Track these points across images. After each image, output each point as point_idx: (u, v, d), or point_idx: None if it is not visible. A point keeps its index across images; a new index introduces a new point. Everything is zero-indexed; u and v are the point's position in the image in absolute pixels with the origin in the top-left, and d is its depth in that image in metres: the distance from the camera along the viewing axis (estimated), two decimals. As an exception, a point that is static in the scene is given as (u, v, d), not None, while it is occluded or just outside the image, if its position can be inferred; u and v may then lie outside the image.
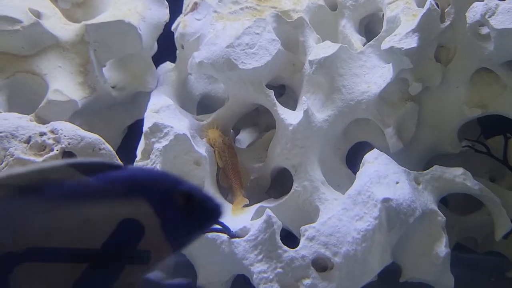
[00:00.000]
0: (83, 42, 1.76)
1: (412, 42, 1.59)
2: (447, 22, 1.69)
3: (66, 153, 1.44)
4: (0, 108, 1.59)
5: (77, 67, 1.76)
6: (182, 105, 1.94)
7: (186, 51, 1.84)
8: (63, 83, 1.70)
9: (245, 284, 1.61)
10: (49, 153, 1.42)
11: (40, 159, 1.40)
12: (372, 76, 1.76)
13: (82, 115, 1.78)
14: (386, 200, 1.41)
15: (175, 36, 1.88)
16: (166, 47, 2.07)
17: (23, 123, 1.45)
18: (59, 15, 1.81)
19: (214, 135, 1.80)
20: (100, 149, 1.48)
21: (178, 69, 1.98)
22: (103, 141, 1.50)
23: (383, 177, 1.50)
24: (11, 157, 1.38)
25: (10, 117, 1.46)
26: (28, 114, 1.59)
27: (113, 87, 1.90)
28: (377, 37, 1.81)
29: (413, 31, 1.62)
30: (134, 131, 2.05)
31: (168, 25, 1.96)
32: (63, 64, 1.74)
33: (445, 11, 1.70)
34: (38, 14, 1.72)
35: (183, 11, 1.93)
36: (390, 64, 1.70)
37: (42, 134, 1.44)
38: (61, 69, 1.73)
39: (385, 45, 1.63)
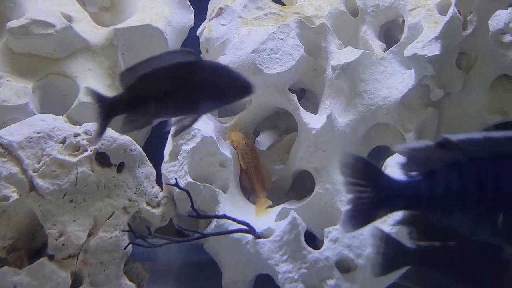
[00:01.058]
0: (112, 45, 1.82)
1: (435, 50, 1.62)
2: (469, 30, 1.72)
3: (99, 154, 1.49)
4: (33, 108, 1.64)
5: (106, 70, 1.81)
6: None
7: (211, 55, 1.88)
8: (93, 85, 1.75)
9: (265, 283, 1.66)
10: (83, 153, 1.47)
11: (74, 159, 1.45)
12: (393, 81, 1.79)
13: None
14: (409, 203, 1.45)
15: (200, 41, 1.92)
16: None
17: (59, 124, 1.50)
18: (88, 19, 1.86)
19: (237, 138, 1.84)
20: (131, 150, 1.53)
21: (202, 72, 2.01)
22: (134, 142, 1.55)
23: (405, 181, 1.53)
24: (48, 157, 1.43)
25: (46, 118, 1.51)
26: (59, 115, 1.64)
27: (139, 89, 1.94)
28: (398, 43, 1.85)
29: (436, 38, 1.65)
30: (157, 133, 2.09)
31: (193, 29, 2.00)
32: (92, 66, 1.79)
33: (468, 18, 1.73)
34: (69, 18, 1.78)
35: (207, 16, 1.97)
36: (412, 70, 1.73)
37: (76, 135, 1.49)
38: (91, 71, 1.78)
39: (408, 52, 1.66)
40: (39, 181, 1.40)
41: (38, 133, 1.45)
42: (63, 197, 1.43)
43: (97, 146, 1.48)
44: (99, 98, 1.01)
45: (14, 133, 1.44)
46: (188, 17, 1.98)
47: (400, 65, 1.83)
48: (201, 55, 1.98)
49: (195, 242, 1.65)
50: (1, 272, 1.34)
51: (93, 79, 1.78)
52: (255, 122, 1.99)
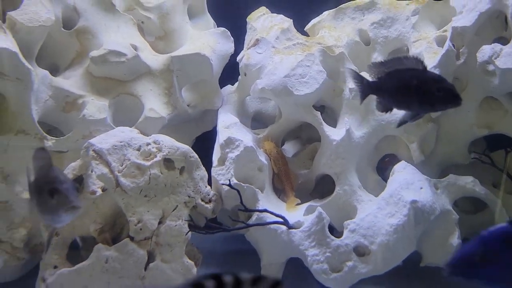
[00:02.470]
0: (168, 70, 2.21)
1: (433, 77, 2.00)
2: (462, 60, 2.11)
3: (166, 159, 1.88)
4: (110, 121, 2.04)
5: (163, 90, 2.21)
6: (241, 120, 2.36)
7: (248, 78, 2.27)
8: (154, 103, 2.14)
9: (295, 265, 2.03)
10: (153, 159, 1.86)
11: (148, 163, 1.84)
12: (399, 101, 2.17)
13: (164, 128, 2.21)
14: (413, 202, 1.83)
15: (239, 66, 2.31)
16: (224, 72, 2.49)
17: (135, 135, 1.89)
18: (149, 48, 2.26)
19: (270, 147, 2.22)
20: (190, 157, 1.92)
21: (239, 91, 2.41)
22: (192, 150, 1.93)
23: (410, 184, 1.91)
24: (128, 161, 1.82)
25: (125, 130, 1.91)
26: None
27: (188, 105, 2.33)
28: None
29: (435, 67, 2.04)
30: (201, 141, 2.48)
31: (233, 56, 2.40)
32: (153, 87, 2.18)
33: (460, 51, 2.12)
34: (135, 48, 2.17)
35: (245, 45, 2.37)
36: (415, 93, 2.11)
37: (148, 144, 1.88)
38: (152, 91, 2.17)
39: (412, 78, 2.04)
40: (123, 180, 1.79)
41: (120, 142, 1.84)
42: (140, 192, 1.81)
43: (164, 153, 1.86)
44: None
45: (102, 141, 1.83)
46: (229, 46, 2.38)
47: (405, 87, 2.21)
48: (239, 77, 2.37)
49: (233, 233, 2.03)
50: (97, 248, 1.74)
51: (154, 98, 2.17)
52: (283, 133, 2.37)
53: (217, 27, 2.53)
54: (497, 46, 1.95)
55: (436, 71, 2.02)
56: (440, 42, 2.18)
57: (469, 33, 2.08)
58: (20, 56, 1.77)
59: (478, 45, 2.01)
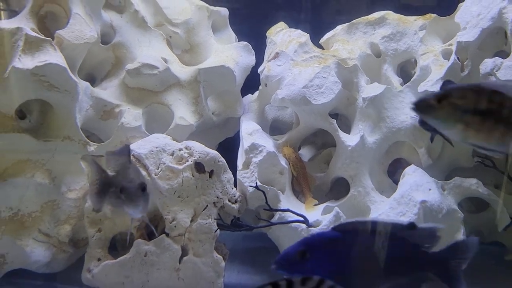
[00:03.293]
0: (196, 81, 2.41)
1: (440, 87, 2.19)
2: (466, 72, 2.29)
3: (196, 163, 2.07)
4: (144, 129, 2.24)
5: (191, 99, 2.41)
6: (261, 127, 2.55)
7: (268, 88, 2.47)
8: (183, 111, 2.34)
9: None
10: (185, 163, 2.05)
11: (180, 167, 2.03)
12: (409, 109, 2.36)
13: (192, 134, 2.40)
14: (423, 202, 2.02)
15: (260, 77, 2.50)
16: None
17: (168, 141, 2.09)
18: (177, 61, 2.46)
19: (289, 152, 2.41)
20: (218, 161, 2.11)
21: (259, 100, 2.61)
22: (220, 155, 2.12)
23: (419, 185, 2.10)
24: (163, 165, 2.02)
25: (160, 136, 2.10)
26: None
27: (212, 113, 2.53)
28: (412, 79, 2.42)
29: (442, 78, 2.22)
30: (224, 146, 2.68)
31: (254, 68, 2.60)
32: (182, 97, 2.38)
33: (464, 63, 2.30)
34: (165, 61, 2.37)
35: (265, 58, 2.56)
36: (423, 102, 2.30)
37: (180, 149, 2.08)
38: (180, 101, 2.37)
39: (421, 88, 2.24)
40: (159, 182, 1.99)
41: (156, 147, 2.04)
42: (174, 193, 2.01)
43: (195, 158, 2.06)
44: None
45: (140, 147, 2.03)
46: (250, 59, 2.58)
47: (413, 96, 2.39)
48: (260, 87, 2.57)
49: (253, 232, 2.23)
50: (137, 242, 1.94)
51: (183, 107, 2.37)
52: (300, 139, 2.56)
53: (238, 40, 2.74)
54: (498, 60, 2.12)
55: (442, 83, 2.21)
56: (446, 55, 2.37)
57: (472, 48, 2.26)
58: (69, 71, 1.97)
59: (481, 59, 2.19)
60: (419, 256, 1.24)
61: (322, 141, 2.72)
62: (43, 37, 1.97)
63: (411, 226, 1.22)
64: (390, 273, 1.25)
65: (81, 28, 2.09)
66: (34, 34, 1.95)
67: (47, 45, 1.96)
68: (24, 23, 2.01)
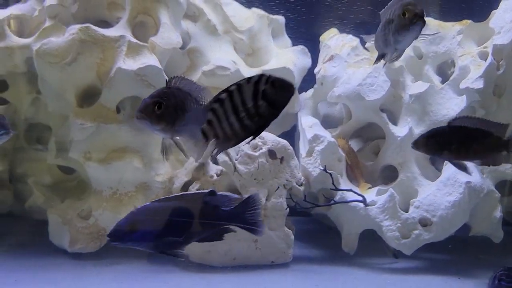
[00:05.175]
0: (261, 81, 2.74)
1: (480, 84, 2.50)
2: (501, 70, 2.59)
3: (270, 151, 2.40)
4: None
5: (257, 97, 2.74)
6: (314, 121, 2.88)
7: (324, 87, 2.80)
8: (251, 107, 2.67)
9: (367, 235, 2.53)
10: (260, 150, 2.38)
11: (256, 153, 2.36)
12: (450, 104, 2.67)
13: (256, 128, 2.73)
14: (468, 182, 2.33)
15: (316, 77, 2.84)
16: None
17: (245, 132, 2.42)
18: (243, 63, 2.80)
19: (342, 143, 2.73)
20: (288, 149, 2.43)
21: (314, 98, 2.94)
22: (289, 144, 2.45)
23: (463, 169, 2.40)
24: (242, 151, 2.35)
25: (237, 128, 2.44)
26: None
27: (273, 110, 2.86)
28: (452, 78, 2.72)
29: (480, 77, 2.53)
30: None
31: (310, 69, 2.93)
32: (249, 95, 2.71)
33: (499, 63, 2.61)
34: (235, 63, 2.71)
35: (320, 60, 2.90)
36: (464, 97, 2.60)
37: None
38: (248, 98, 2.70)
39: (462, 85, 2.55)
40: (239, 166, 2.32)
41: (236, 137, 2.37)
42: (251, 176, 2.34)
43: (269, 146, 2.39)
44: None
45: (222, 137, 2.37)
46: (307, 61, 2.92)
47: (453, 93, 2.70)
48: (315, 86, 2.90)
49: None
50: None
51: (250, 103, 2.70)
52: (350, 132, 2.88)
53: (292, 45, 3.07)
54: (529, 60, 2.44)
55: (481, 80, 2.52)
56: (482, 56, 2.68)
57: (506, 49, 2.56)
58: (163, 71, 2.32)
59: (515, 59, 2.51)
60: (220, 214, 1.54)
61: (367, 135, 3.03)
62: (141, 43, 2.32)
63: (212, 193, 1.54)
64: (200, 226, 1.54)
65: (169, 35, 2.44)
66: (134, 40, 2.30)
67: (145, 50, 2.32)
68: (123, 31, 2.36)
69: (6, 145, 2.76)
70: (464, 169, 1.90)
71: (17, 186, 2.83)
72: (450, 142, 1.75)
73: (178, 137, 1.67)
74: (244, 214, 1.55)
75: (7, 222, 2.81)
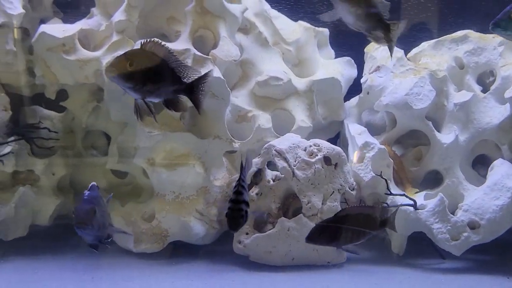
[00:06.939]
0: (310, 90, 2.89)
1: (524, 93, 2.62)
2: (541, 79, 2.71)
3: (325, 157, 2.52)
4: (273, 131, 2.71)
5: (306, 106, 2.88)
6: (359, 129, 3.00)
7: (370, 96, 2.93)
8: (302, 116, 2.81)
9: (414, 238, 2.63)
10: (316, 157, 2.51)
11: (313, 160, 2.49)
12: (492, 113, 2.79)
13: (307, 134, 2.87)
14: (515, 187, 2.44)
15: (363, 87, 2.97)
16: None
17: (300, 139, 2.56)
18: (292, 74, 2.94)
19: (388, 149, 2.84)
20: (341, 156, 2.56)
21: (359, 106, 3.07)
22: (342, 151, 2.58)
23: (510, 174, 2.51)
24: (299, 158, 2.48)
25: (293, 135, 2.60)
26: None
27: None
28: (494, 87, 2.85)
29: (523, 86, 2.65)
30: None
31: (356, 79, 3.07)
32: (299, 104, 2.86)
33: (540, 72, 2.73)
34: (286, 74, 2.85)
35: (366, 70, 3.03)
36: (507, 105, 2.71)
37: (310, 145, 2.54)
38: (298, 107, 2.85)
39: (507, 94, 2.67)
40: (297, 172, 2.46)
41: (293, 144, 2.52)
42: (308, 181, 2.47)
43: (324, 153, 2.52)
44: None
45: (280, 144, 2.51)
46: (353, 71, 3.06)
47: (496, 101, 2.82)
48: (361, 95, 3.03)
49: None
50: (281, 220, 2.41)
51: (300, 112, 2.84)
52: (394, 139, 3.00)
53: (335, 57, 3.22)
54: None
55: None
56: (525, 66, 2.80)
57: (548, 60, 2.69)
58: (225, 82, 2.47)
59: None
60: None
61: (408, 141, 3.15)
62: (205, 55, 2.47)
63: None
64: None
65: (228, 48, 2.59)
66: (199, 53, 2.45)
67: (208, 62, 2.47)
68: (186, 45, 2.51)
69: (68, 152, 2.95)
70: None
71: (77, 190, 2.98)
72: (339, 230, 1.99)
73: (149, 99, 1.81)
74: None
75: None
